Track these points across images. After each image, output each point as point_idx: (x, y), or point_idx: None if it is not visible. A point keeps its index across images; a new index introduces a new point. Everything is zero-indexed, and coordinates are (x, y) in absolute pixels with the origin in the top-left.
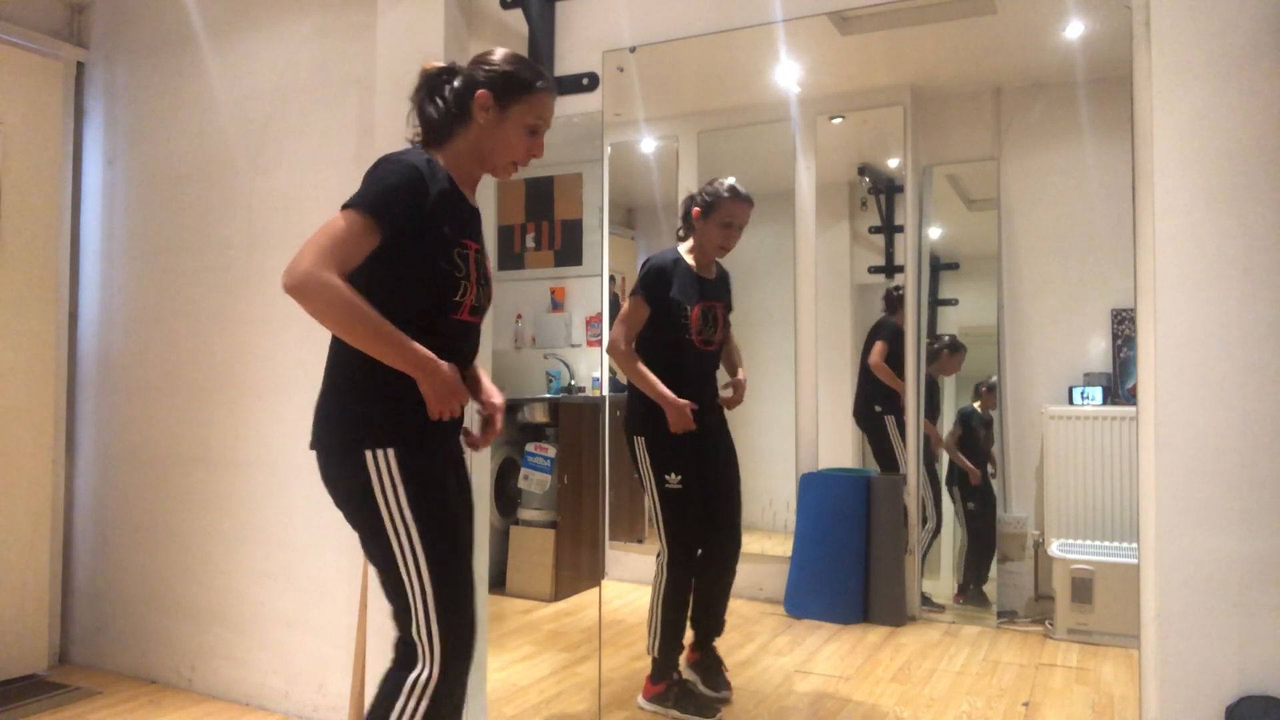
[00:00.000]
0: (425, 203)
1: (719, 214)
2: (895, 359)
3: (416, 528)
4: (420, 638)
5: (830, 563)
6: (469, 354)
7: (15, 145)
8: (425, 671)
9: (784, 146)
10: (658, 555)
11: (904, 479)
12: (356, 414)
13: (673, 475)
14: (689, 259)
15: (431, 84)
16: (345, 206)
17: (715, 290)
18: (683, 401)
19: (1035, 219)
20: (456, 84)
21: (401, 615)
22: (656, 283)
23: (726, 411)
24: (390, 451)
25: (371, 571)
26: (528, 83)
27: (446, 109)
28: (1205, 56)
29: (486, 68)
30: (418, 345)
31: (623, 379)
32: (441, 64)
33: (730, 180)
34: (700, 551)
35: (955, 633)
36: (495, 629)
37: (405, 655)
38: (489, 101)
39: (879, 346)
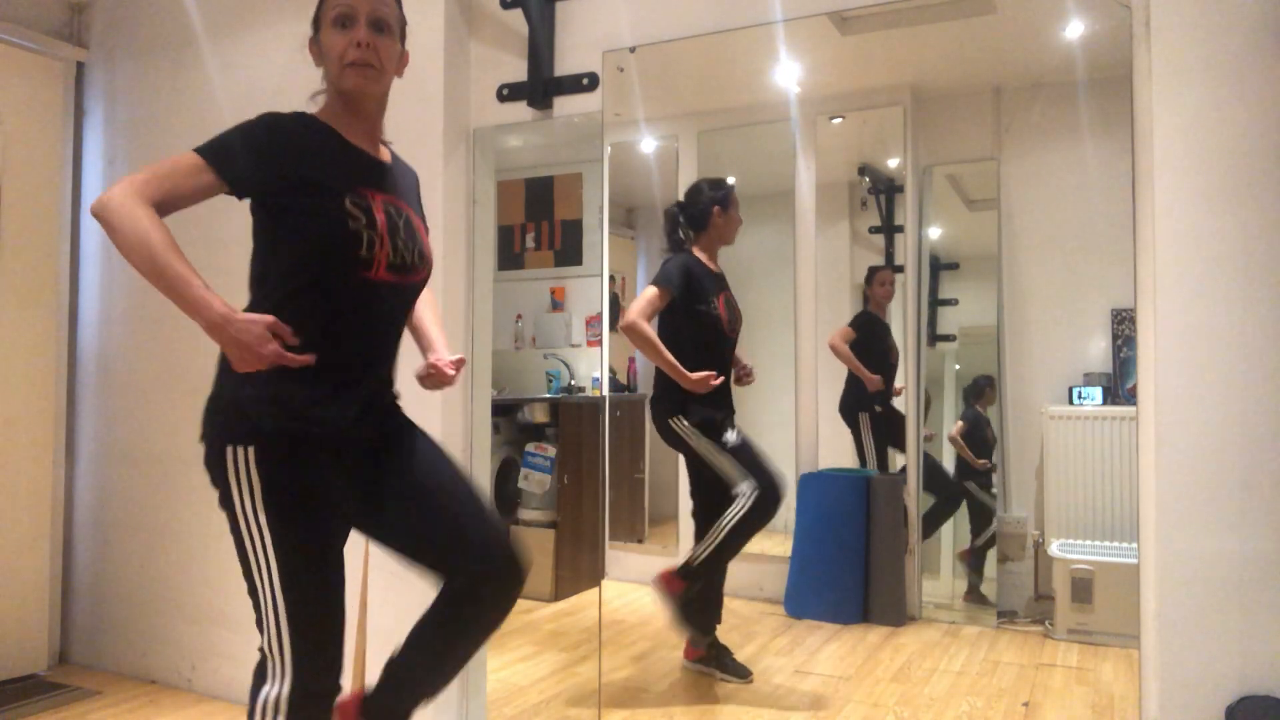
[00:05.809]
0: (269, 146)
1: (735, 206)
2: (875, 352)
3: (271, 541)
4: (271, 651)
5: (830, 563)
6: (399, 319)
7: (15, 145)
8: (275, 689)
9: (784, 146)
10: (736, 495)
11: (904, 479)
12: (224, 402)
13: (730, 433)
14: (702, 257)
15: None
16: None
17: (726, 284)
18: (697, 375)
19: (1035, 219)
20: None
21: (258, 622)
22: (682, 275)
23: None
24: (250, 450)
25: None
26: None
27: None
28: (1205, 56)
29: None
30: (208, 294)
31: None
32: None
33: (716, 178)
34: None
35: (955, 633)
36: None
37: (259, 666)
38: (310, 46)
39: (842, 330)
